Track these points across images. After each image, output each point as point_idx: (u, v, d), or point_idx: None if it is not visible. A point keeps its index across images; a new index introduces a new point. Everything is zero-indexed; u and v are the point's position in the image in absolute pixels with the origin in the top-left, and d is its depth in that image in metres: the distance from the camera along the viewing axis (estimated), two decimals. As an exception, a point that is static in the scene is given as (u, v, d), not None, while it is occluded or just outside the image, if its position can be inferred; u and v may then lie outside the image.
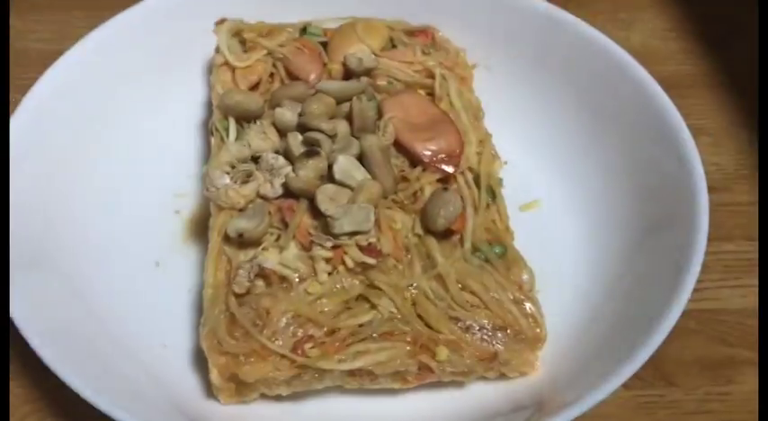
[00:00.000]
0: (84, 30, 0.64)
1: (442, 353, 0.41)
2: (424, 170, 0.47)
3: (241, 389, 0.41)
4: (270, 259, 0.42)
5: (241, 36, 0.54)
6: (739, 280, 0.52)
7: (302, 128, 0.47)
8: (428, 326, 0.42)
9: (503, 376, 0.44)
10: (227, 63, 0.52)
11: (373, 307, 0.42)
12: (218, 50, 0.53)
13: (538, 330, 0.43)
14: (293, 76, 0.52)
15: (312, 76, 0.52)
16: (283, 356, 0.40)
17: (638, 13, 0.69)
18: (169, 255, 0.49)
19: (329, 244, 0.43)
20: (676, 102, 0.55)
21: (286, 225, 0.44)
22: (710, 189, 0.55)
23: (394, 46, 0.55)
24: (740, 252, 0.53)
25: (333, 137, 0.47)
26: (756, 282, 0.51)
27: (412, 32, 0.56)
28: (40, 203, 0.46)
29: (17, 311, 0.39)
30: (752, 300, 0.51)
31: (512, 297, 0.43)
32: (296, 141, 0.46)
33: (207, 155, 0.55)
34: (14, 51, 0.64)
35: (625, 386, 0.46)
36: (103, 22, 0.55)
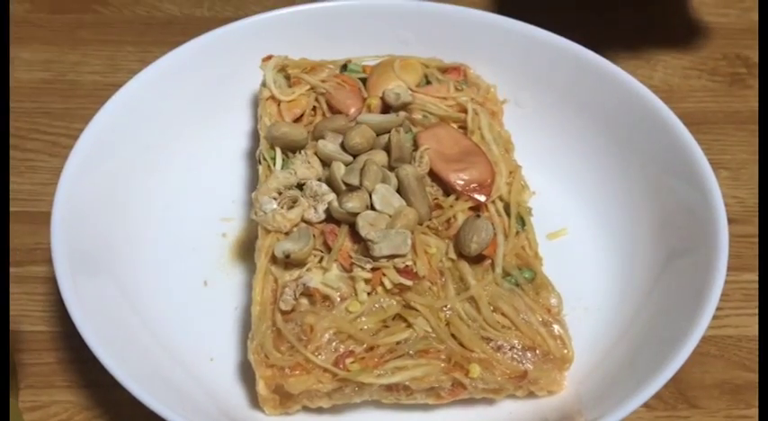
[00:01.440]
0: (135, 63, 0.68)
1: (475, 370, 0.43)
2: (457, 198, 0.50)
3: (285, 400, 0.44)
4: (314, 279, 0.45)
5: (286, 72, 0.57)
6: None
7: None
8: (461, 345, 0.44)
9: (531, 394, 0.46)
10: (272, 97, 0.55)
11: (409, 326, 0.45)
12: (264, 85, 0.57)
13: (565, 351, 0.45)
14: (334, 110, 0.55)
15: (352, 110, 0.55)
16: (326, 370, 0.43)
17: (660, 53, 0.72)
18: (216, 275, 0.52)
19: (369, 266, 0.46)
20: (697, 137, 0.58)
21: (328, 248, 0.47)
22: (731, 221, 0.58)
23: (429, 82, 0.58)
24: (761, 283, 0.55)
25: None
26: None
27: (445, 70, 0.59)
28: (100, 222, 0.50)
29: (79, 319, 0.42)
30: (771, 327, 0.53)
31: (540, 319, 0.45)
32: (339, 171, 0.49)
33: (252, 182, 0.58)
34: (70, 82, 0.68)
35: (648, 407, 0.48)
36: (155, 57, 0.58)
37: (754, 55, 0.73)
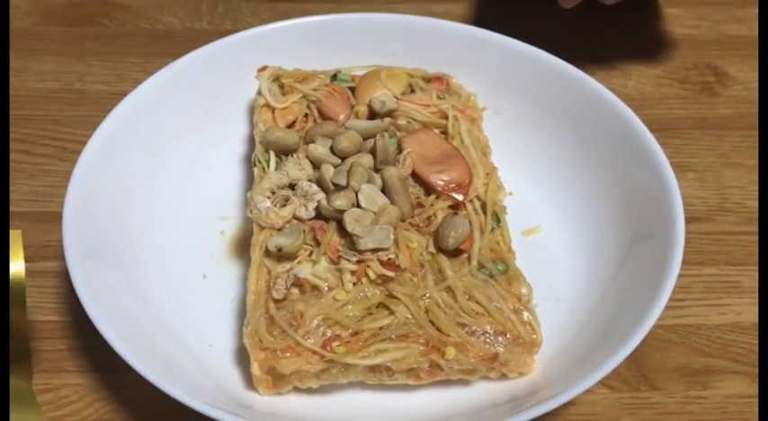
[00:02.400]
0: (139, 74, 0.72)
1: (450, 352, 0.47)
2: (437, 198, 0.54)
3: (277, 381, 0.48)
4: (304, 270, 0.49)
5: (280, 81, 0.61)
6: (719, 300, 0.58)
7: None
8: (439, 330, 0.48)
9: (503, 376, 0.50)
10: (267, 104, 0.59)
11: (391, 313, 0.48)
12: (259, 93, 0.61)
13: (534, 336, 0.49)
14: (325, 116, 0.59)
15: (341, 117, 0.59)
16: (314, 352, 0.46)
17: (635, 63, 0.76)
18: (214, 269, 0.56)
19: (354, 259, 0.49)
20: (666, 142, 0.62)
21: (317, 242, 0.50)
22: (694, 219, 0.62)
23: (413, 91, 0.61)
24: (720, 275, 0.59)
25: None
26: (734, 301, 0.57)
27: (429, 79, 0.63)
28: (108, 220, 0.53)
29: (90, 307, 0.46)
30: (729, 317, 0.56)
31: (512, 307, 0.49)
32: (328, 172, 0.53)
33: (248, 183, 0.62)
34: (77, 91, 0.72)
35: (613, 389, 0.52)
36: (157, 68, 0.62)
37: (723, 64, 0.77)
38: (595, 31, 0.77)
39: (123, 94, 0.60)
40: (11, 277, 0.45)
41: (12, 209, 0.62)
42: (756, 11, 0.82)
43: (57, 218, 0.56)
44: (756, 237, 0.61)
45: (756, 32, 0.80)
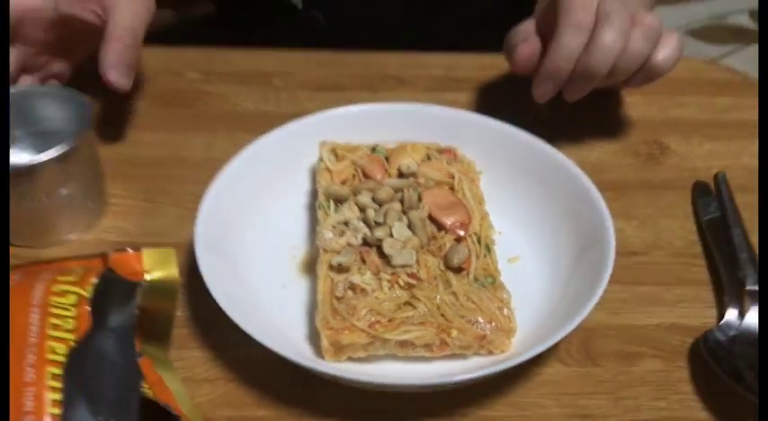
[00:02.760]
0: (227, 145, 0.88)
1: (454, 333, 0.68)
2: (446, 233, 0.75)
3: (337, 351, 0.68)
4: (356, 278, 0.70)
5: (335, 151, 0.78)
6: (647, 308, 0.77)
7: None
8: (446, 319, 0.68)
9: (490, 353, 0.71)
10: (327, 168, 0.80)
11: (414, 308, 0.69)
12: (320, 160, 0.78)
13: (511, 325, 0.70)
14: (367, 176, 0.76)
15: (379, 176, 0.79)
16: (363, 331, 0.67)
17: (599, 139, 0.97)
18: (289, 282, 0.77)
19: (389, 271, 0.72)
20: (617, 197, 0.83)
21: (364, 260, 0.72)
22: (634, 253, 0.83)
23: (429, 159, 0.78)
24: (649, 292, 0.78)
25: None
26: (658, 309, 0.78)
27: (441, 150, 0.79)
28: (220, 244, 0.74)
29: (219, 297, 0.67)
30: (653, 320, 0.76)
31: (496, 306, 0.70)
32: (371, 214, 0.76)
33: (310, 223, 0.82)
34: (180, 157, 0.91)
35: (567, 365, 0.74)
36: (240, 140, 0.83)
37: (667, 140, 0.97)
38: (571, 115, 0.95)
39: (216, 160, 0.79)
40: (169, 279, 0.68)
41: (138, 240, 0.84)
42: (697, 98, 1.06)
43: (173, 247, 0.78)
44: (682, 267, 0.83)
45: (696, 116, 1.04)
